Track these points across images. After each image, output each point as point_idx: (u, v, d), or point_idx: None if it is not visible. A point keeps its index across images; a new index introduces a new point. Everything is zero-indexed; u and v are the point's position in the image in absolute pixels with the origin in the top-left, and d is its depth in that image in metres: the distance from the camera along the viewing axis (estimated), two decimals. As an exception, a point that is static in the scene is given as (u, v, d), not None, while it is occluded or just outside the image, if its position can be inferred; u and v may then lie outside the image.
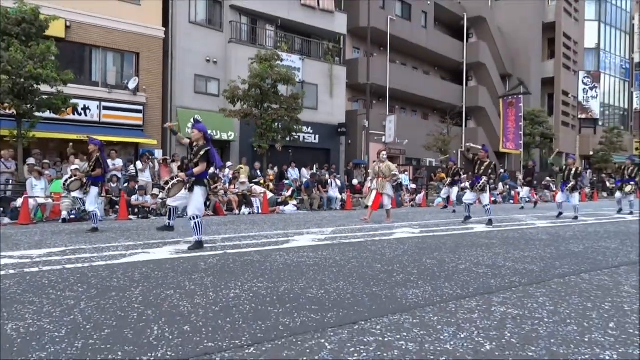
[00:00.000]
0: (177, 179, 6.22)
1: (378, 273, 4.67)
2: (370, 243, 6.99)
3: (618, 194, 14.74)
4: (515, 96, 22.78)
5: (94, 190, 8.51)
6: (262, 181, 15.92)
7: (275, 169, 17.84)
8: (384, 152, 11.26)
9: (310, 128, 22.33)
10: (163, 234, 7.46)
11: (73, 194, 9.64)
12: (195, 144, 6.36)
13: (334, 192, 17.09)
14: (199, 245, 6.17)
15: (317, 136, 23.14)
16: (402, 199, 18.91)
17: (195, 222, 6.16)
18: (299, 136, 19.14)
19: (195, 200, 6.20)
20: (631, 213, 13.63)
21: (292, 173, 18.19)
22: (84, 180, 8.53)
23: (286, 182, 17.01)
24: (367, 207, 11.44)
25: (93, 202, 8.49)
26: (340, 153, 24.62)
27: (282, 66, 17.32)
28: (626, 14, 45.90)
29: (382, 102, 27.78)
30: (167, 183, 6.34)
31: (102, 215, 11.56)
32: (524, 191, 17.98)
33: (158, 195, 12.44)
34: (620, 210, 14.12)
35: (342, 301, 3.58)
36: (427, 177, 23.22)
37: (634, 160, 15.22)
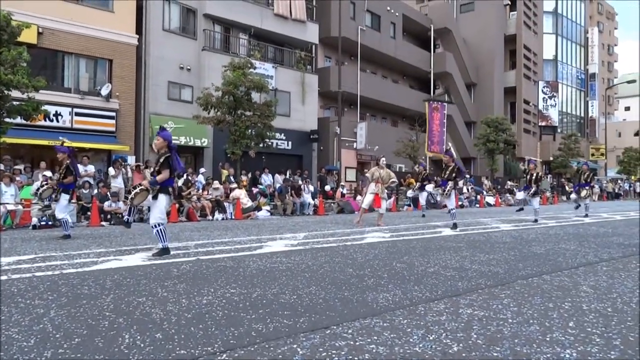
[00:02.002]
0: (141, 187, 6.17)
1: (349, 277, 4.73)
2: (342, 248, 7.06)
3: (573, 196, 15.39)
4: (440, 103, 23.38)
5: (65, 198, 8.36)
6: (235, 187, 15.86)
7: (249, 174, 17.82)
8: (383, 159, 11.64)
9: (283, 135, 22.39)
10: (135, 240, 7.37)
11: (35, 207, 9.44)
12: (161, 152, 6.31)
13: (306, 198, 17.17)
14: (164, 252, 6.09)
15: (290, 142, 23.21)
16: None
17: (157, 230, 6.06)
18: (272, 142, 19.18)
19: (157, 208, 6.10)
20: (586, 215, 14.20)
21: (266, 179, 18.20)
22: (56, 188, 8.37)
23: (260, 187, 17.00)
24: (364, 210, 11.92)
25: (63, 209, 8.35)
26: (313, 159, 24.73)
27: (255, 74, 17.35)
28: (581, 28, 48.04)
29: (353, 109, 28.08)
30: (129, 192, 6.32)
31: (74, 221, 11.33)
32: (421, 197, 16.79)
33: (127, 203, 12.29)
34: (577, 207, 14.74)
35: (314, 306, 3.62)
36: (397, 182, 23.52)
37: (590, 165, 15.91)
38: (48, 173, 11.25)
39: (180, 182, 14.56)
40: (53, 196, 8.42)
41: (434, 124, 23.04)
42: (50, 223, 10.70)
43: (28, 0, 15.50)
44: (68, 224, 8.37)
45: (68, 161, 8.37)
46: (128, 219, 6.74)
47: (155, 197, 6.14)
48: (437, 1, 38.87)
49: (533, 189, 12.73)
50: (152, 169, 6.50)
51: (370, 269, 5.24)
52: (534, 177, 12.88)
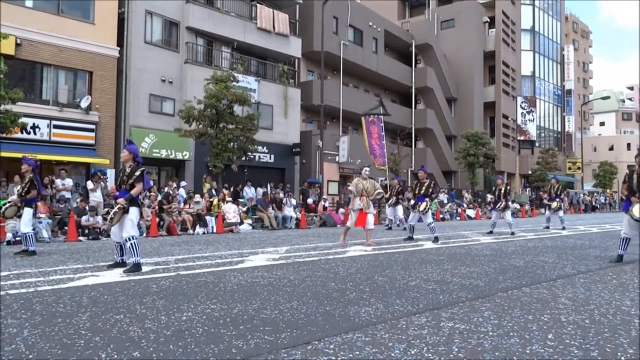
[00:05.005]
0: (118, 206, 6.13)
1: (331, 291, 4.72)
2: (324, 262, 7.05)
3: (547, 213, 15.65)
4: (376, 115, 23.56)
5: (28, 212, 8.11)
6: (216, 200, 15.76)
7: (232, 188, 17.71)
8: (367, 169, 10.22)
9: (265, 148, 22.36)
10: (113, 256, 7.21)
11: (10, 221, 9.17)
12: (126, 165, 6.39)
13: (289, 211, 17.13)
14: (136, 267, 6.00)
15: (272, 156, 23.19)
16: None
17: (131, 243, 6.05)
18: (254, 156, 19.12)
19: (130, 221, 6.14)
20: (563, 228, 14.43)
21: (248, 192, 18.11)
22: (19, 204, 8.13)
23: (241, 200, 16.89)
24: (348, 228, 10.22)
25: (28, 224, 8.08)
26: (295, 172, 24.73)
27: (237, 87, 17.35)
28: (557, 46, 49.46)
29: (336, 123, 28.24)
30: (107, 213, 6.25)
31: (49, 236, 11.05)
32: (389, 211, 15.57)
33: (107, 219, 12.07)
34: (547, 228, 14.88)
35: (295, 321, 3.60)
36: (383, 193, 23.57)
37: (558, 179, 16.27)
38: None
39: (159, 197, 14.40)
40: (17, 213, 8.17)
41: (373, 138, 23.08)
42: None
43: (6, 10, 15.29)
44: (32, 240, 8.08)
45: (31, 175, 8.14)
46: (123, 259, 6.41)
47: (126, 211, 6.16)
48: (418, 17, 39.58)
49: (503, 204, 13.05)
50: (119, 181, 6.47)
51: (352, 282, 5.24)
52: (502, 192, 13.22)
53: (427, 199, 10.62)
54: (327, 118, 26.04)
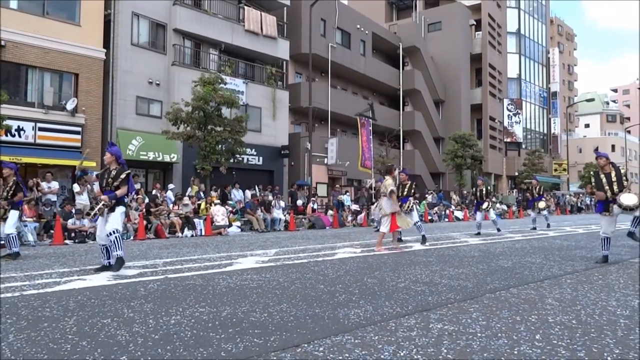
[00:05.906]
0: (102, 202, 6.18)
1: (321, 294, 4.72)
2: (313, 264, 7.05)
3: (532, 214, 15.70)
4: (366, 118, 23.66)
5: (14, 214, 8.03)
6: (203, 203, 15.67)
7: (219, 190, 17.61)
8: (397, 170, 9.90)
9: (253, 150, 22.32)
10: (100, 259, 7.13)
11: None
12: (111, 168, 6.42)
13: (277, 213, 17.09)
14: (120, 262, 6.05)
15: (261, 158, 23.15)
16: (343, 219, 19.22)
17: (115, 237, 6.10)
18: (242, 158, 19.06)
19: (114, 218, 6.22)
20: (548, 226, 14.59)
21: (236, 194, 18.03)
22: (6, 207, 8.02)
23: (230, 202, 16.82)
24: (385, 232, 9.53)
25: (12, 226, 7.99)
26: (284, 174, 24.72)
27: (225, 89, 17.28)
28: (542, 48, 50.19)
29: (324, 125, 28.27)
30: (92, 209, 6.27)
31: (35, 240, 10.90)
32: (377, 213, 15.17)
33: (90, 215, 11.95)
34: (534, 229, 15.03)
35: (285, 324, 3.60)
36: (368, 198, 23.70)
37: (538, 179, 16.47)
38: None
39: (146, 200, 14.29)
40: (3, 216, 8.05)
41: (363, 140, 23.18)
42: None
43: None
44: (16, 241, 7.99)
45: (14, 178, 8.11)
46: (110, 262, 6.33)
47: (112, 209, 6.23)
48: (405, 20, 39.84)
49: (486, 204, 13.24)
50: (104, 183, 6.46)
51: (342, 284, 5.24)
52: (483, 193, 13.41)
53: (410, 198, 10.80)
54: (315, 120, 26.06)
